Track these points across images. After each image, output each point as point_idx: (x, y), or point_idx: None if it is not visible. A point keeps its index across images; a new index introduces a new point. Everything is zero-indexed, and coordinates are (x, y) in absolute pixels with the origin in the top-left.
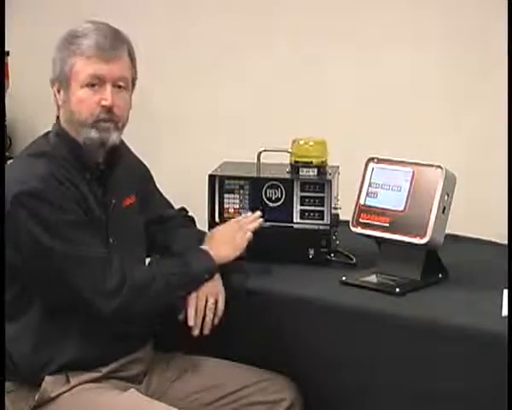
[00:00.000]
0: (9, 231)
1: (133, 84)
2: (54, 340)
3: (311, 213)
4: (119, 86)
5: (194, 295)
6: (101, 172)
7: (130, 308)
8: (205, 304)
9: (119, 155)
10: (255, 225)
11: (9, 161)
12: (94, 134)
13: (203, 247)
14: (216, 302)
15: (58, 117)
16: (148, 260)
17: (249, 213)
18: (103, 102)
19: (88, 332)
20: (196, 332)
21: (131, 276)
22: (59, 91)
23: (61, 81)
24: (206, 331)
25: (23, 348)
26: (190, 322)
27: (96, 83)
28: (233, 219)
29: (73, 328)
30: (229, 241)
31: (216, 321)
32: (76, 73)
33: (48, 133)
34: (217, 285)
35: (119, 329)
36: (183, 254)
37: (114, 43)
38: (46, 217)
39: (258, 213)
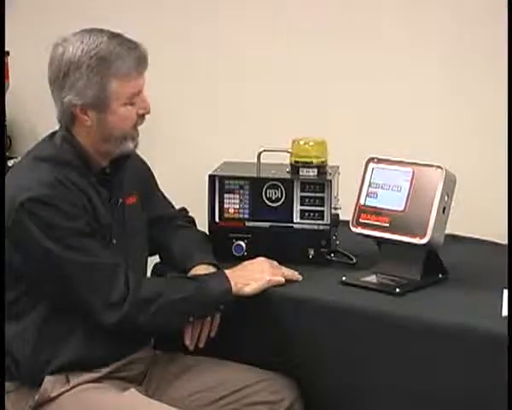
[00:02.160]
0: (15, 237)
1: None
2: (54, 340)
3: (311, 213)
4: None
5: None
6: (106, 175)
7: (131, 322)
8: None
9: (125, 156)
10: (292, 277)
11: (12, 161)
12: (131, 144)
13: (225, 272)
14: (213, 316)
15: (67, 128)
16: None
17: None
18: (142, 111)
19: (88, 333)
20: (191, 348)
21: (136, 289)
22: (85, 113)
23: (97, 104)
24: (201, 345)
25: (24, 348)
26: (187, 341)
27: (135, 96)
28: (268, 260)
29: (74, 329)
30: (254, 274)
31: (212, 334)
32: (116, 94)
33: (53, 135)
34: None
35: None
36: (203, 278)
37: (141, 52)
38: (53, 224)
39: (300, 277)
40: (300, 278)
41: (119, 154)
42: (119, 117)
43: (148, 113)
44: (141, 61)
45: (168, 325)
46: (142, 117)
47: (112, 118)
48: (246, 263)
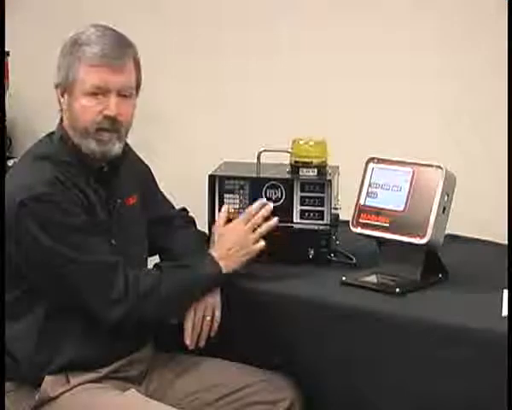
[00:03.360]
0: (15, 236)
1: (138, 89)
2: (55, 340)
3: (311, 213)
4: (124, 95)
5: (191, 309)
6: (104, 175)
7: (136, 315)
8: (202, 319)
9: (123, 157)
10: (267, 227)
11: (12, 161)
12: (95, 146)
13: (212, 253)
14: (213, 315)
15: (62, 120)
16: (150, 260)
17: (256, 206)
18: (106, 112)
19: (88, 333)
20: (192, 347)
21: (136, 282)
22: (63, 96)
23: (65, 87)
24: (202, 345)
25: (24, 348)
26: (187, 341)
27: (99, 92)
28: (242, 220)
29: (74, 328)
30: (238, 250)
31: (212, 334)
32: (80, 80)
33: (52, 134)
34: (214, 297)
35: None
36: (191, 262)
37: (119, 51)
38: (53, 222)
39: (269, 206)
40: (274, 221)
41: (86, 152)
42: (80, 106)
43: (113, 117)
44: (112, 57)
45: (170, 315)
46: (107, 119)
47: (76, 105)
48: (222, 237)
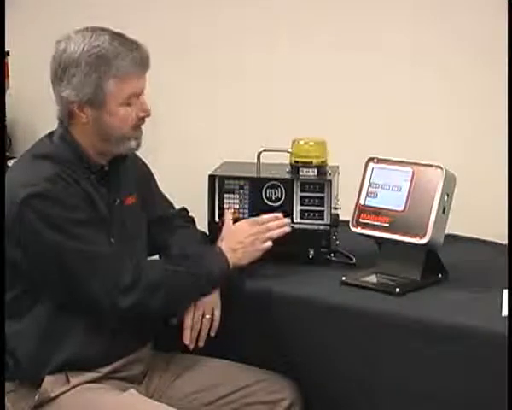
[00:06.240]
0: (17, 233)
1: None
2: (55, 340)
3: (311, 213)
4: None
5: (190, 309)
6: (104, 173)
7: (145, 305)
8: (201, 318)
9: (125, 156)
10: (279, 232)
11: (12, 161)
12: (133, 144)
13: (220, 247)
14: (212, 314)
15: (66, 129)
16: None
17: (269, 216)
18: (142, 114)
19: (88, 332)
20: (191, 347)
21: (146, 272)
22: (82, 110)
23: (93, 102)
24: (201, 344)
25: (25, 347)
26: (186, 340)
27: (134, 97)
28: (251, 223)
29: (74, 328)
30: (246, 246)
31: (212, 334)
32: (113, 94)
33: (52, 134)
34: (214, 297)
35: (131, 325)
36: (200, 254)
37: (144, 57)
38: (56, 217)
39: (286, 220)
40: (288, 229)
41: (122, 153)
42: (118, 117)
43: (149, 116)
44: (141, 62)
45: (176, 309)
46: (142, 119)
47: (109, 118)
48: (233, 231)
